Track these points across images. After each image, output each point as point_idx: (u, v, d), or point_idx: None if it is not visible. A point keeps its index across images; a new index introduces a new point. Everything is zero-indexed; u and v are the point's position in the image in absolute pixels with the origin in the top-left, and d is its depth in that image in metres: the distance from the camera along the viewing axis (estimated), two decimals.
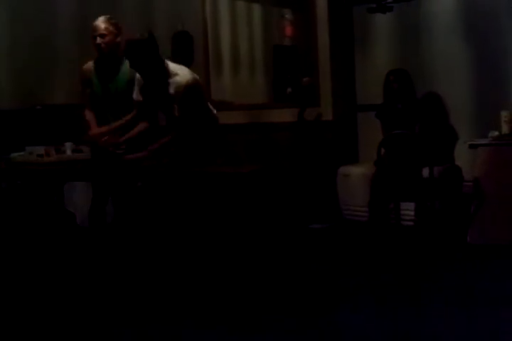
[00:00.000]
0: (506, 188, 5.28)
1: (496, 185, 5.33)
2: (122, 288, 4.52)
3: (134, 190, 5.39)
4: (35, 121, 5.19)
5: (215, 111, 5.00)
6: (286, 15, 6.73)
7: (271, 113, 6.48)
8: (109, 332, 3.82)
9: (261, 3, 6.95)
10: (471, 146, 5.49)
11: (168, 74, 4.63)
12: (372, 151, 5.55)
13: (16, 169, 4.84)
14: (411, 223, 5.69)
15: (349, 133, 6.46)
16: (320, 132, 6.26)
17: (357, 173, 6.04)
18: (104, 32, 4.88)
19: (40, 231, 5.48)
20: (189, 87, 4.61)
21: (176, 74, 4.63)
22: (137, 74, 4.78)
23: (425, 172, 5.36)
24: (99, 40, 4.87)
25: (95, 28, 4.89)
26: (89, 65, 5.05)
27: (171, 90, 4.61)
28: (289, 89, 6.56)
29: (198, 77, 4.78)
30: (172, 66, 4.69)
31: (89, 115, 5.05)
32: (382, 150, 5.52)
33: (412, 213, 5.70)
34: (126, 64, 4.76)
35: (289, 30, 6.71)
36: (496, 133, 5.49)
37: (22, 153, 4.86)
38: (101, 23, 4.90)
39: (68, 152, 4.86)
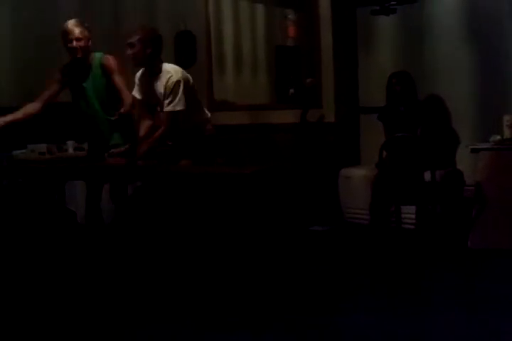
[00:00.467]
0: (508, 193, 5.28)
1: (498, 190, 5.33)
2: (123, 288, 4.51)
3: (134, 190, 5.40)
4: (38, 119, 5.18)
5: (208, 115, 5.10)
6: (289, 16, 6.71)
7: (273, 114, 6.47)
8: (109, 332, 3.81)
9: (264, 3, 6.93)
10: (473, 150, 5.48)
11: (161, 71, 4.83)
12: (374, 154, 5.55)
13: (18, 167, 4.85)
14: (412, 226, 5.69)
15: (351, 135, 6.45)
16: (322, 134, 6.26)
17: (358, 175, 6.03)
18: (80, 36, 4.97)
19: (40, 229, 5.47)
20: (178, 84, 4.76)
21: (168, 72, 4.81)
22: (138, 74, 4.93)
23: (427, 175, 5.36)
24: (76, 43, 4.94)
25: (70, 32, 4.96)
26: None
27: (162, 86, 4.80)
28: (292, 90, 6.54)
29: (190, 78, 4.93)
30: (165, 65, 4.87)
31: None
32: (384, 152, 5.52)
33: (413, 216, 5.69)
34: (95, 69, 5.01)
35: (291, 31, 6.69)
36: (498, 137, 5.48)
37: (24, 151, 4.87)
38: (75, 26, 4.98)
39: (70, 150, 4.89)
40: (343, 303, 4.17)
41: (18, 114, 5.08)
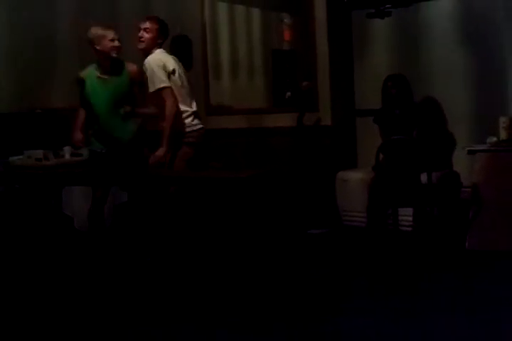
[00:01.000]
0: (504, 194, 5.29)
1: (495, 191, 5.34)
2: (123, 288, 4.52)
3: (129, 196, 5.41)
4: (34, 125, 5.18)
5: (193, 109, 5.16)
6: (285, 20, 6.72)
7: (270, 117, 6.47)
8: (109, 332, 3.82)
9: (260, 7, 6.94)
10: (470, 152, 5.49)
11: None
12: (371, 156, 5.55)
13: (14, 173, 4.83)
14: (409, 229, 5.69)
15: (348, 138, 6.46)
16: (319, 137, 6.26)
17: (355, 178, 6.04)
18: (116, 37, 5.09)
19: (38, 235, 5.47)
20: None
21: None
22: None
23: (423, 177, 5.36)
24: (118, 43, 5.07)
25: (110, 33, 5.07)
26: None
27: None
28: (288, 94, 6.55)
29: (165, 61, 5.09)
30: None
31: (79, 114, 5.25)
32: (381, 155, 5.52)
33: (411, 219, 5.70)
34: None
35: (287, 35, 6.71)
36: (495, 139, 5.50)
37: (20, 157, 4.85)
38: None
39: (67, 156, 4.86)
40: (341, 305, 4.17)
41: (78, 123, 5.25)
